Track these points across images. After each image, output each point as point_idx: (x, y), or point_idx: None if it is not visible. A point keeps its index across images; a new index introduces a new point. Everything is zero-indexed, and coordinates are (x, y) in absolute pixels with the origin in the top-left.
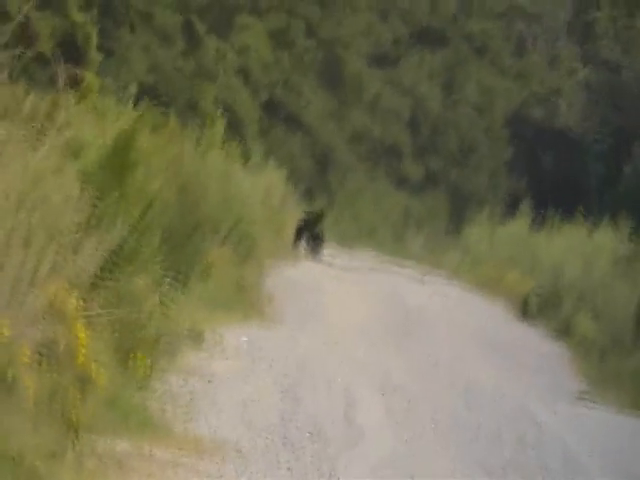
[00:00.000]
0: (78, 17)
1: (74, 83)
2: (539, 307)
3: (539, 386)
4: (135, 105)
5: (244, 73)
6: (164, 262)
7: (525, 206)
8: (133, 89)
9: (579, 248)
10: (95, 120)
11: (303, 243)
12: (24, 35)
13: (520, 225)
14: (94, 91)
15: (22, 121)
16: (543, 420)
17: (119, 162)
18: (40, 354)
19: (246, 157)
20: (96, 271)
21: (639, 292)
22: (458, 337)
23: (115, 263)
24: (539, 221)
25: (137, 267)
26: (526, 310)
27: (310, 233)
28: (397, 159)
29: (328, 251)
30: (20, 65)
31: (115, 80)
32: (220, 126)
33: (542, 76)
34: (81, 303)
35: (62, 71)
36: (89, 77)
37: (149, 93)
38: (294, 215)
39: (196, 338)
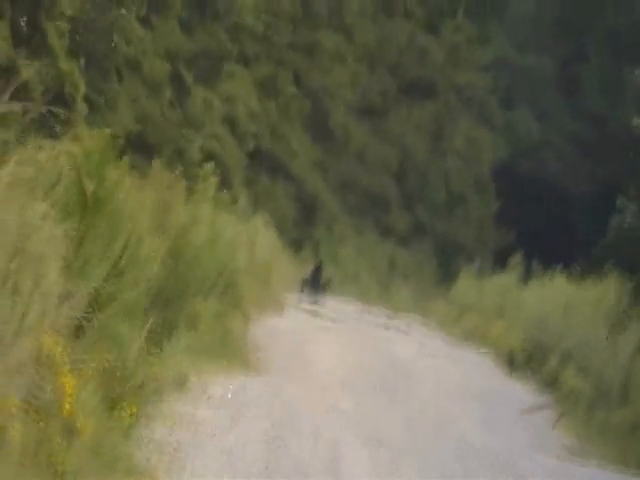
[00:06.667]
0: (66, 66)
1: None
2: (525, 360)
3: (526, 440)
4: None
5: (230, 122)
6: (150, 310)
7: (513, 258)
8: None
9: (566, 300)
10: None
11: (308, 290)
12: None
13: (508, 277)
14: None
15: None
16: (530, 474)
17: (90, 192)
18: (27, 403)
19: (233, 206)
20: (80, 317)
21: (627, 346)
22: (444, 390)
23: (98, 308)
24: (526, 273)
25: (120, 312)
26: (512, 363)
27: (314, 282)
28: (384, 209)
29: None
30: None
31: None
32: (212, 181)
33: (529, 128)
34: (67, 351)
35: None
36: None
37: (136, 142)
38: (280, 264)
39: (181, 386)
